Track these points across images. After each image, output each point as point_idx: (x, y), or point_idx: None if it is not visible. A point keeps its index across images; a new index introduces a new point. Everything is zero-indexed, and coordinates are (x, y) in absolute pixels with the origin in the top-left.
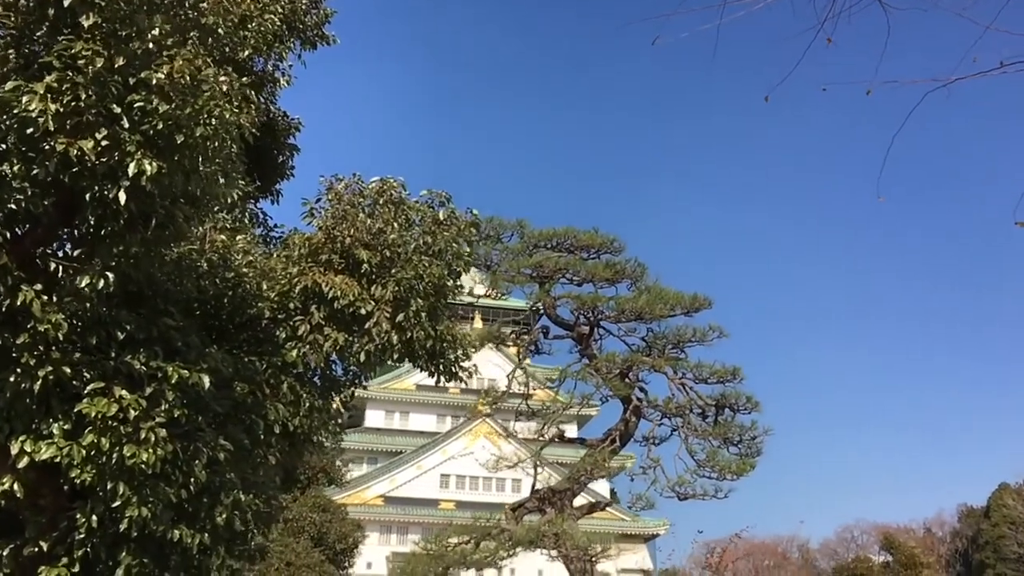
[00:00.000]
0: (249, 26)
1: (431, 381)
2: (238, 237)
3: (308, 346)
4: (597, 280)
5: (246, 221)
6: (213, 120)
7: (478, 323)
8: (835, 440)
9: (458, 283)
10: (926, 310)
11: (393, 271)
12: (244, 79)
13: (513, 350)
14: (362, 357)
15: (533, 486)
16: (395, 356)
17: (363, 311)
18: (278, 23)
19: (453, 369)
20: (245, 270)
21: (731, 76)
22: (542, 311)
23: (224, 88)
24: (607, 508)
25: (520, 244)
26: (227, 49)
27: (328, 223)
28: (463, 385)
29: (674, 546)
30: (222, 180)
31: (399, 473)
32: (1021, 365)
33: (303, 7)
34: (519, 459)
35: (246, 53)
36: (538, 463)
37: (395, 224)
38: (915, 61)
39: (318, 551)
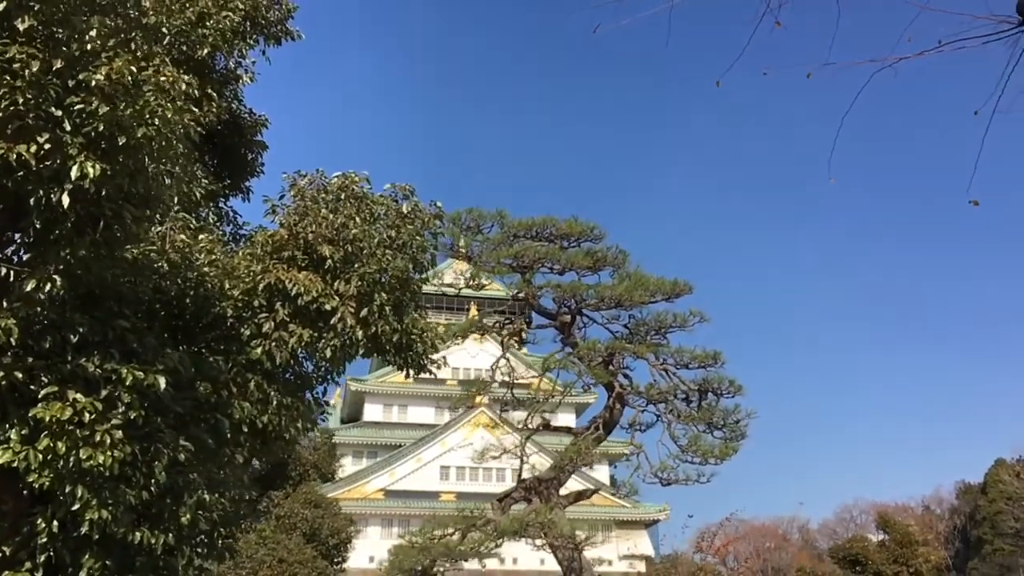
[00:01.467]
0: (207, 23)
1: (427, 373)
2: (200, 236)
3: (273, 343)
4: (578, 268)
5: (211, 220)
6: (156, 120)
7: (473, 313)
8: (835, 420)
9: (423, 276)
10: (920, 288)
11: (356, 266)
12: (187, 76)
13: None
14: (328, 353)
15: (519, 476)
16: (361, 351)
17: (327, 307)
18: (238, 20)
19: (422, 362)
20: (207, 269)
21: (703, 64)
22: (525, 300)
23: (166, 87)
24: (606, 495)
25: (500, 234)
26: (184, 47)
27: (291, 220)
28: (460, 376)
29: (671, 531)
30: (168, 180)
31: (399, 466)
32: (1016, 342)
33: (264, 3)
34: (505, 449)
35: (205, 51)
36: (524, 452)
37: (358, 219)
38: (876, 42)
39: (310, 547)
